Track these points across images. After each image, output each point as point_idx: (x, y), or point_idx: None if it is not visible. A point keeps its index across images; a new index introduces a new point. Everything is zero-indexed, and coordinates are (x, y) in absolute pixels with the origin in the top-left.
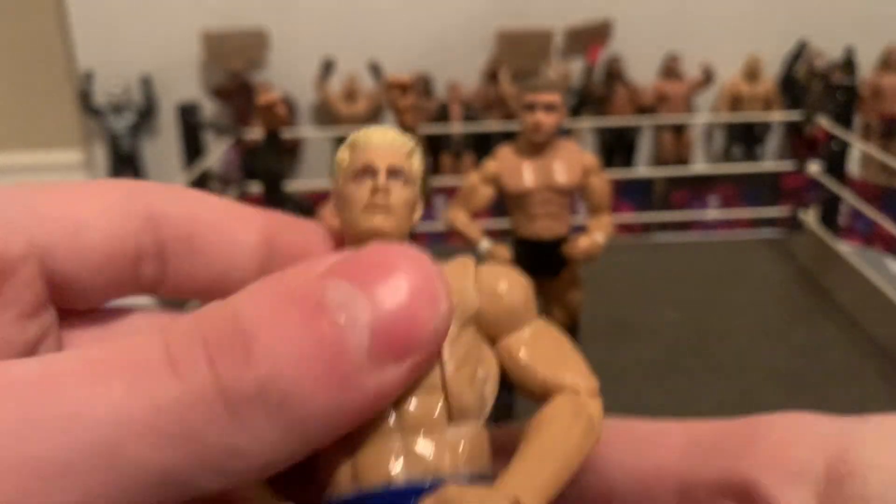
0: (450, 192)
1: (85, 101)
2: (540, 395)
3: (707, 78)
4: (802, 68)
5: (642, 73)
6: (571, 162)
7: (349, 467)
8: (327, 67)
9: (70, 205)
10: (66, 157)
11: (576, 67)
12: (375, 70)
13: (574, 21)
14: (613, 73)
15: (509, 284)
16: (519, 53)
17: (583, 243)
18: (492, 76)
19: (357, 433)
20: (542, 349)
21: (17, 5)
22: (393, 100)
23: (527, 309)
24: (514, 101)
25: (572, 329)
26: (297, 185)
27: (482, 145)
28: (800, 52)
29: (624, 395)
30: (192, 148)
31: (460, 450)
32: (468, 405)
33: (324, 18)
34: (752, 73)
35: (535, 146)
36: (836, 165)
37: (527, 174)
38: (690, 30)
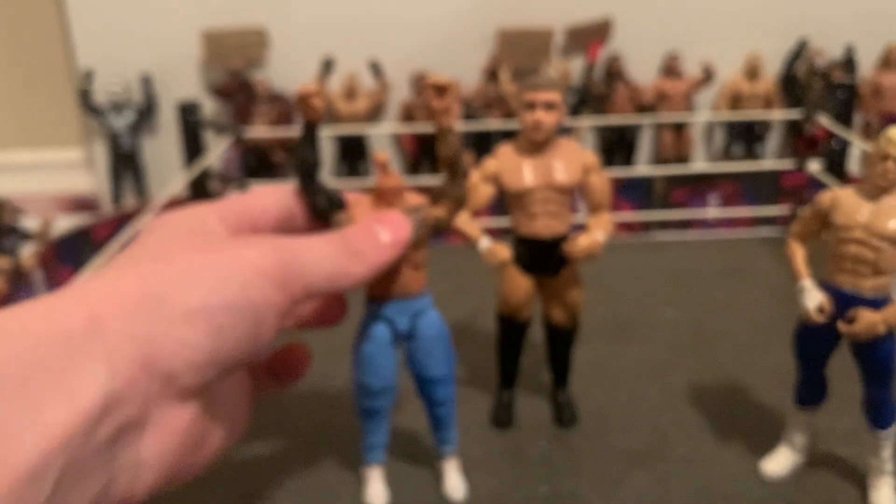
0: None
1: (85, 99)
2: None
3: (707, 76)
4: (803, 67)
5: (643, 71)
6: (571, 160)
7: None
8: (327, 66)
9: None
10: (67, 156)
11: (576, 66)
12: (376, 68)
13: (574, 19)
14: (614, 72)
15: None
16: (519, 52)
17: (583, 242)
18: (492, 74)
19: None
20: None
21: (17, 5)
22: (427, 101)
23: None
24: (514, 100)
25: (572, 327)
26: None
27: (482, 144)
28: (800, 50)
29: (623, 392)
30: (193, 146)
31: None
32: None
33: (323, 17)
34: (752, 72)
35: (536, 145)
36: (836, 164)
37: (527, 173)
38: (691, 28)
